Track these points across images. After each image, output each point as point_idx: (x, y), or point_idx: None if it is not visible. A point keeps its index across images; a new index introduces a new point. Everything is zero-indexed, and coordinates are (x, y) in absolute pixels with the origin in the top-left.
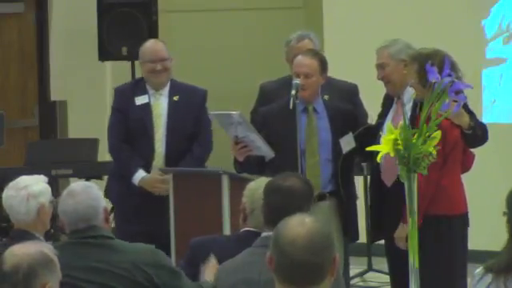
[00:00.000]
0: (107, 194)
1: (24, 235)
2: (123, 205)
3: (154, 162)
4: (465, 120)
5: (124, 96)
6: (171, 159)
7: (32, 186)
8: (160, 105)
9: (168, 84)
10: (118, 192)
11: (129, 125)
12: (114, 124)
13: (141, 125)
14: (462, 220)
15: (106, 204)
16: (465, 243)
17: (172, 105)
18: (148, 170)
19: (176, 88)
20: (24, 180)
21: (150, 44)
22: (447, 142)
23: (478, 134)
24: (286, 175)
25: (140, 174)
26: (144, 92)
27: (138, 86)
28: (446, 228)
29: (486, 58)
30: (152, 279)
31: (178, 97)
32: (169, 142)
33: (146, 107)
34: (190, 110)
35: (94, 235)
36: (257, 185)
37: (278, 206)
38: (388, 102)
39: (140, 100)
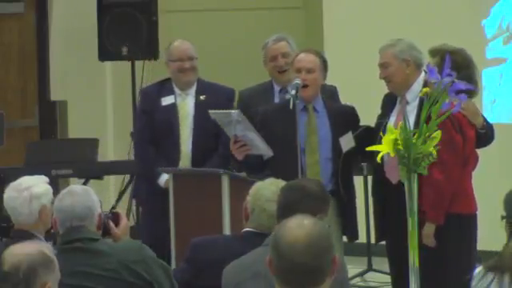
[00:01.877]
0: (136, 195)
1: (24, 235)
2: (151, 204)
3: (180, 162)
4: (479, 119)
5: (149, 97)
6: (197, 159)
7: (34, 188)
8: (186, 105)
9: (195, 83)
10: (146, 192)
11: (155, 126)
12: (140, 126)
13: (167, 125)
14: (476, 218)
15: (101, 211)
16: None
17: (199, 104)
18: None
19: (203, 87)
20: (26, 181)
21: (178, 43)
22: (467, 140)
23: (489, 133)
24: (306, 179)
25: (165, 176)
26: (171, 92)
27: (165, 87)
28: (466, 226)
29: (486, 58)
30: (143, 276)
31: (204, 96)
32: (195, 142)
33: (172, 108)
34: (216, 109)
35: (81, 238)
36: (262, 185)
37: (295, 202)
38: (389, 103)
39: (166, 100)
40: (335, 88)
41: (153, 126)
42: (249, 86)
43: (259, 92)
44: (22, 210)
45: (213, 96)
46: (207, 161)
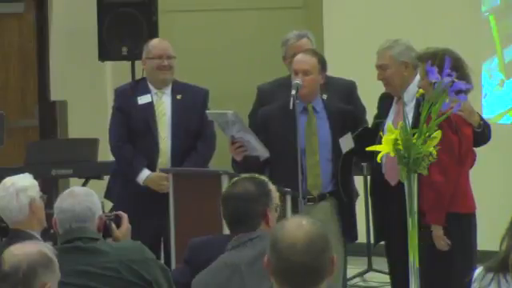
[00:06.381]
0: (108, 194)
1: (21, 235)
2: (126, 205)
3: (159, 160)
4: (476, 118)
5: (125, 96)
6: (176, 158)
7: (19, 182)
8: (163, 103)
9: (171, 83)
10: (119, 192)
11: (131, 124)
12: (116, 124)
13: (144, 124)
14: (475, 217)
15: (102, 214)
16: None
17: (176, 103)
18: (153, 169)
19: (178, 87)
20: (10, 179)
21: (157, 41)
22: (464, 139)
23: (485, 132)
24: (238, 181)
25: (145, 173)
26: (146, 91)
27: (140, 86)
28: (466, 225)
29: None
30: (143, 276)
31: (181, 96)
32: (174, 141)
33: (149, 106)
34: (194, 109)
35: (81, 237)
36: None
37: (234, 213)
38: (387, 103)
39: (143, 99)
40: (353, 83)
41: (128, 124)
42: (268, 81)
43: (276, 87)
44: (12, 207)
45: (189, 96)
46: (185, 159)
